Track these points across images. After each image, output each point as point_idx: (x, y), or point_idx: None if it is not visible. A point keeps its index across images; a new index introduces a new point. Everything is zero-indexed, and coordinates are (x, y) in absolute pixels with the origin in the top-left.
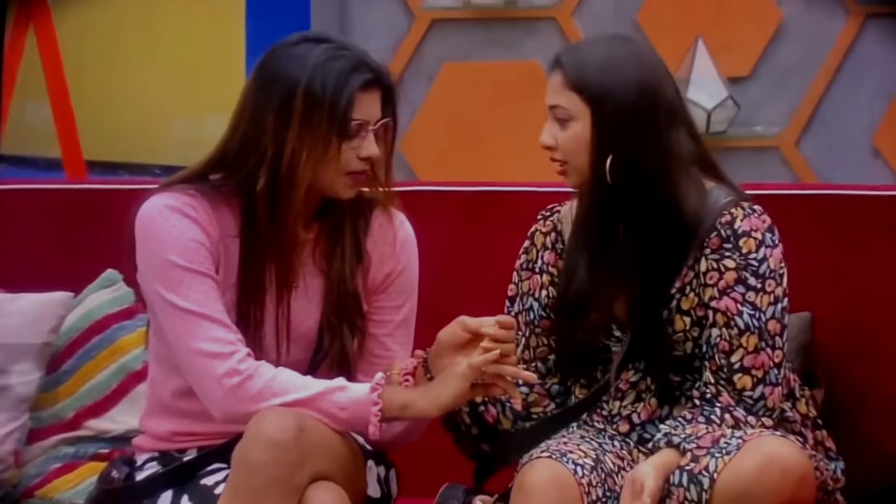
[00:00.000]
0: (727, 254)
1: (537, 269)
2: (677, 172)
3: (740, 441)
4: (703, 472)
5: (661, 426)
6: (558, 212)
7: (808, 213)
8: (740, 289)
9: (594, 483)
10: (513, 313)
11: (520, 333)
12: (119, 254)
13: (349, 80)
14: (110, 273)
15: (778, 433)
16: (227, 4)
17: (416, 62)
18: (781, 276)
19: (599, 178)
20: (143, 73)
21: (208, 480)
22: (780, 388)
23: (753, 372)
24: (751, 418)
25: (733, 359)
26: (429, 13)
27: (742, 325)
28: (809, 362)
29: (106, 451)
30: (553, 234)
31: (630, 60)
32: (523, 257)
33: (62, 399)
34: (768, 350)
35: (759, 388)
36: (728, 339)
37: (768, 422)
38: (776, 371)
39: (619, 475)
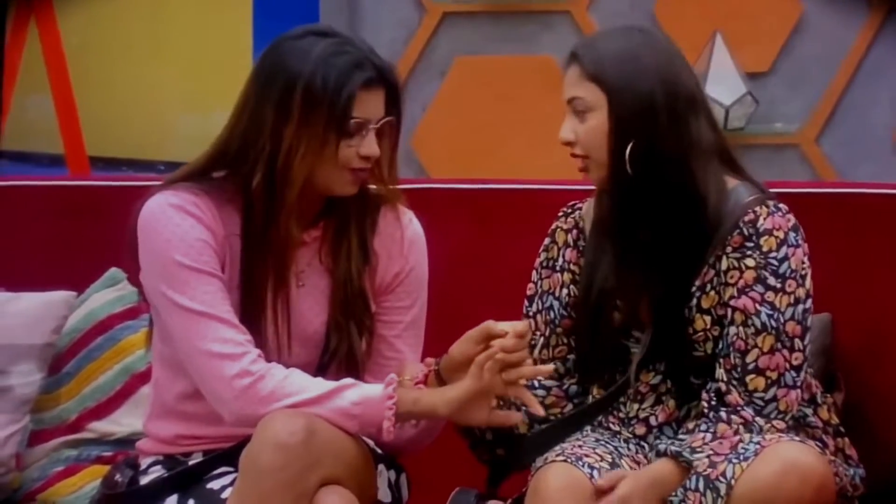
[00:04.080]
0: (748, 252)
1: (558, 268)
2: (697, 162)
3: (758, 447)
4: (721, 478)
5: (660, 444)
6: (580, 209)
7: (829, 211)
8: (759, 288)
9: None
10: (531, 312)
11: (538, 333)
12: (123, 252)
13: (350, 77)
14: (114, 272)
15: (797, 438)
16: None
17: (427, 56)
18: (804, 276)
19: (619, 169)
20: (148, 68)
21: (214, 485)
22: (797, 391)
23: (768, 373)
24: (759, 419)
25: (748, 359)
26: (440, 6)
27: (759, 325)
28: (829, 365)
29: (109, 454)
30: (574, 232)
31: (647, 49)
32: (543, 255)
33: (64, 401)
34: (785, 352)
35: (773, 390)
36: (744, 337)
37: (780, 424)
38: (794, 374)
39: None
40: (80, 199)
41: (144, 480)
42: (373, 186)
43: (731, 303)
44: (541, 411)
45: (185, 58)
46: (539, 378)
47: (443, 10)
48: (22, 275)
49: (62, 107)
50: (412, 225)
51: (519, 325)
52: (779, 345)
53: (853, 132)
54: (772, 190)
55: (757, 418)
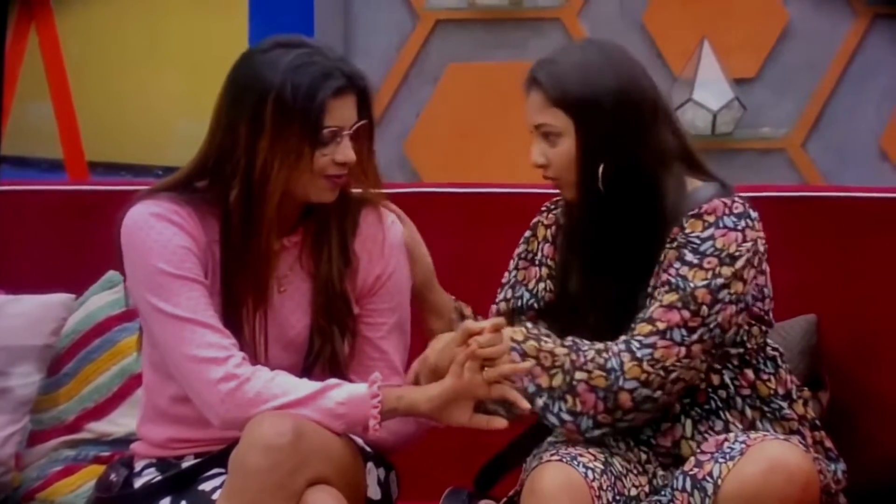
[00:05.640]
0: (678, 238)
1: (536, 261)
2: (661, 169)
3: (744, 446)
4: (707, 478)
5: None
6: (563, 205)
7: (815, 215)
8: (676, 264)
9: (604, 487)
10: (499, 298)
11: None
12: (121, 255)
13: (320, 87)
14: (112, 275)
15: (782, 437)
16: (230, 4)
17: (420, 63)
18: (734, 258)
19: (590, 188)
20: (146, 73)
21: (206, 486)
22: (680, 349)
23: (657, 323)
24: (625, 354)
25: (645, 313)
26: (433, 13)
27: (668, 286)
28: (815, 365)
29: (107, 453)
30: (553, 228)
31: (605, 65)
32: (523, 247)
33: (63, 401)
34: (684, 311)
35: (653, 338)
36: (654, 296)
37: (647, 367)
38: (684, 332)
39: (627, 478)
40: (78, 203)
41: (138, 483)
42: (358, 191)
43: (653, 281)
44: (527, 406)
45: (182, 63)
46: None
47: (436, 18)
48: (22, 277)
49: (61, 112)
50: (394, 227)
51: (495, 320)
52: (680, 303)
53: (839, 137)
54: (759, 194)
55: (624, 354)
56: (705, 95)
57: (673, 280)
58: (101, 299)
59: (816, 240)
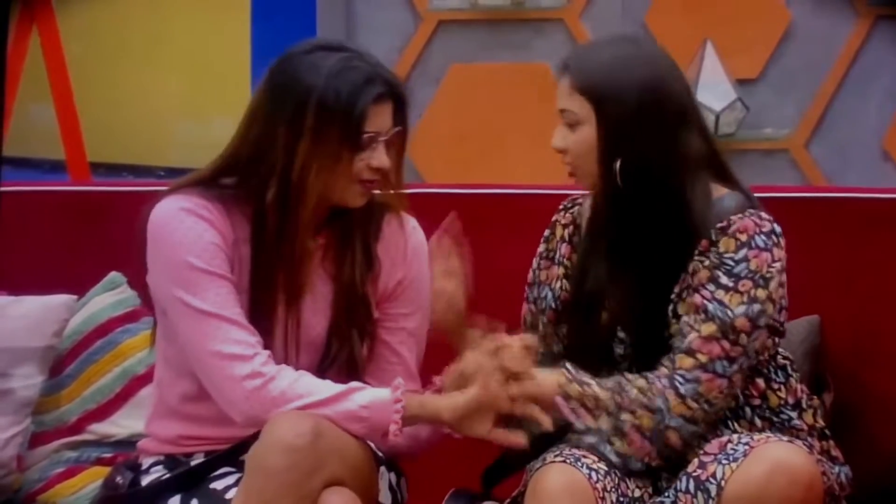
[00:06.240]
0: (708, 254)
1: (556, 260)
2: (686, 174)
3: (747, 448)
4: (711, 479)
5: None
6: (580, 203)
7: (818, 215)
8: (711, 286)
9: (608, 488)
10: (530, 298)
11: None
12: (123, 256)
13: (362, 92)
14: (114, 276)
15: (785, 439)
16: (232, 5)
17: (422, 64)
18: (767, 279)
19: (609, 181)
20: (148, 74)
21: (218, 485)
22: (723, 381)
23: (698, 356)
24: (669, 392)
25: (685, 341)
26: (435, 14)
27: (706, 315)
28: (818, 366)
29: (109, 455)
30: (571, 228)
31: (635, 61)
32: (543, 246)
33: (65, 403)
34: (724, 342)
35: (696, 372)
36: (692, 323)
37: (691, 403)
38: (726, 364)
39: (631, 479)
40: (80, 204)
41: (146, 481)
42: (377, 192)
43: (686, 299)
44: (549, 425)
45: (184, 65)
46: None
47: (438, 19)
48: (23, 278)
49: (63, 113)
50: (416, 233)
51: (526, 338)
52: (720, 334)
53: (842, 138)
54: (762, 195)
55: (668, 390)
56: (708, 96)
57: (710, 306)
58: (103, 300)
59: (819, 240)
